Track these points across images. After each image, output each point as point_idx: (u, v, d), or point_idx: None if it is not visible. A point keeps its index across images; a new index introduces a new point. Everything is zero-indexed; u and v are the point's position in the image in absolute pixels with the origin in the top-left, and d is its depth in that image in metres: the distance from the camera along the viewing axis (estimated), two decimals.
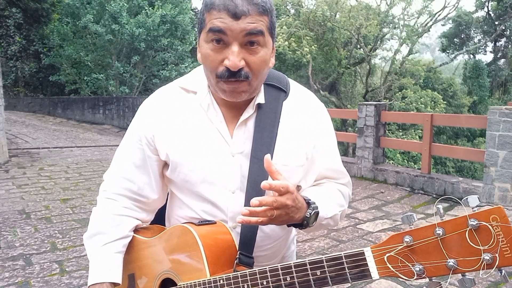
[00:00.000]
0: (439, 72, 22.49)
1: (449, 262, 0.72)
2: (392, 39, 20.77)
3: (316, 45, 18.57)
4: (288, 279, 0.86)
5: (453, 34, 25.04)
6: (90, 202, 5.28)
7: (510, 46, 23.35)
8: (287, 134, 1.06)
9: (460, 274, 0.74)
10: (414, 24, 20.28)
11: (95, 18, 15.92)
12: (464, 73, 23.39)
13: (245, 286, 0.91)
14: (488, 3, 23.00)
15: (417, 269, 0.74)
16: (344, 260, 0.80)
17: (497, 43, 24.14)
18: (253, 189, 1.00)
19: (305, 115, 1.09)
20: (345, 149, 16.27)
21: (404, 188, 6.10)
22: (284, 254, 1.21)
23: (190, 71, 1.17)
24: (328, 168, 1.14)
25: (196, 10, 20.98)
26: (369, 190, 6.11)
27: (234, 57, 0.92)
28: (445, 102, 19.32)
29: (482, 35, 24.49)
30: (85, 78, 17.39)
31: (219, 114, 1.05)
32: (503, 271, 0.71)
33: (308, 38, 18.16)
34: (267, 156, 0.91)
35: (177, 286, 1.04)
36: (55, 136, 12.22)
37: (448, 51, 25.59)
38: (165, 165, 1.12)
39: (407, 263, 0.76)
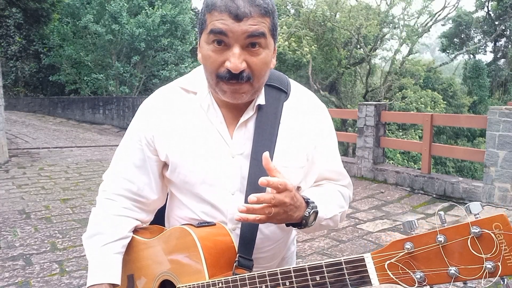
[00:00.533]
0: (439, 72, 22.48)
1: (451, 270, 0.71)
2: (392, 39, 20.78)
3: (316, 45, 18.56)
4: (287, 283, 0.85)
5: (453, 34, 25.03)
6: (90, 202, 5.28)
7: (510, 46, 23.35)
8: (287, 135, 1.05)
9: (461, 283, 0.72)
10: (414, 24, 20.28)
11: (95, 18, 15.93)
12: (464, 73, 23.39)
13: None
14: (488, 3, 23.00)
15: (418, 276, 0.73)
16: (344, 266, 0.79)
17: (497, 43, 24.15)
18: (253, 190, 0.99)
19: (306, 116, 1.09)
20: (345, 149, 16.26)
21: (404, 188, 6.10)
22: (284, 255, 1.20)
23: (190, 71, 1.16)
24: (328, 170, 1.13)
25: (196, 10, 20.98)
26: (369, 190, 6.11)
27: (235, 59, 0.91)
28: (445, 102, 19.32)
29: (482, 35, 24.49)
30: (85, 78, 17.40)
31: (219, 115, 1.05)
32: (505, 280, 0.69)
33: (308, 38, 18.16)
34: (266, 153, 0.90)
35: None
36: (55, 136, 12.22)
37: (448, 51, 25.59)
38: (165, 165, 1.12)
39: (408, 270, 0.74)
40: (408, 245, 0.74)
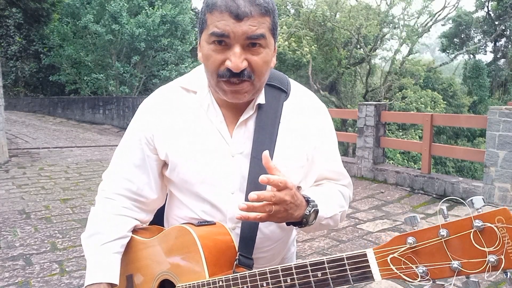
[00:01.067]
0: (439, 72, 22.48)
1: (453, 264, 0.71)
2: (392, 39, 20.78)
3: (316, 45, 18.56)
4: (289, 280, 0.84)
5: (453, 34, 25.03)
6: (90, 202, 5.28)
7: (510, 46, 23.35)
8: (287, 135, 1.06)
9: (464, 277, 0.72)
10: (414, 24, 20.27)
11: (95, 18, 15.92)
12: (464, 73, 23.38)
13: (245, 287, 0.91)
14: (488, 3, 23.00)
15: (421, 271, 0.73)
16: (346, 261, 0.79)
17: (497, 43, 24.14)
18: (253, 189, 0.99)
19: (306, 116, 1.09)
20: (345, 149, 16.26)
21: (404, 188, 6.10)
22: (284, 256, 1.20)
23: (190, 71, 1.16)
24: (328, 169, 1.13)
25: (196, 10, 20.98)
26: (369, 190, 6.11)
27: (236, 59, 0.91)
28: (445, 102, 19.31)
29: (482, 35, 24.49)
30: (85, 78, 17.40)
31: (219, 114, 1.05)
32: (508, 273, 0.69)
33: (308, 38, 18.16)
34: (265, 152, 0.90)
35: (175, 287, 1.03)
36: (55, 136, 12.22)
37: (448, 51, 25.59)
38: (165, 165, 1.12)
39: (411, 265, 0.74)
40: (410, 240, 0.74)
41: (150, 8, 16.33)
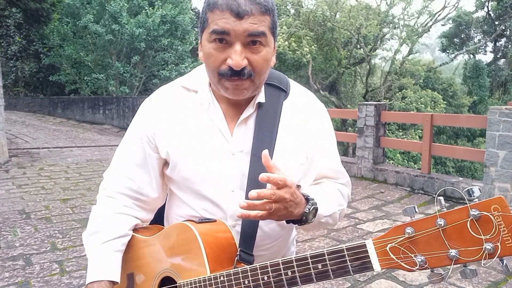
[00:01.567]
0: (439, 72, 22.48)
1: (451, 252, 0.73)
2: (392, 39, 20.76)
3: (316, 45, 18.56)
4: (289, 273, 0.86)
5: (453, 34, 25.03)
6: (90, 202, 5.28)
7: (510, 46, 23.35)
8: (287, 133, 1.07)
9: (462, 265, 0.74)
10: (414, 24, 20.27)
11: (95, 18, 15.93)
12: (464, 73, 23.39)
13: (246, 282, 0.91)
14: (488, 3, 22.99)
15: (419, 259, 0.75)
16: (345, 252, 0.81)
17: (497, 43, 24.14)
18: (253, 187, 1.00)
19: (305, 115, 1.10)
20: (345, 149, 16.27)
21: (404, 188, 6.10)
22: (284, 255, 1.21)
23: (190, 71, 1.18)
24: (327, 168, 1.14)
25: (196, 10, 21.00)
26: (369, 190, 6.11)
27: (237, 56, 0.93)
28: (445, 102, 19.31)
29: (482, 35, 24.49)
30: (85, 78, 17.40)
31: (219, 113, 1.06)
32: (504, 261, 0.71)
33: (308, 38, 18.15)
34: (265, 151, 0.91)
35: (177, 284, 1.03)
36: (55, 136, 12.22)
37: (448, 51, 25.59)
38: (165, 163, 1.13)
39: (410, 254, 0.76)
40: (409, 230, 0.76)
41: (150, 8, 16.33)
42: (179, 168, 1.07)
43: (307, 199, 0.98)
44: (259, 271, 0.90)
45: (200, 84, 1.08)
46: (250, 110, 1.06)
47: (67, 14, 16.82)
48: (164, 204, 1.24)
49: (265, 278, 0.89)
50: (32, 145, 10.17)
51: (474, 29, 24.71)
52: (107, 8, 15.52)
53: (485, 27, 23.65)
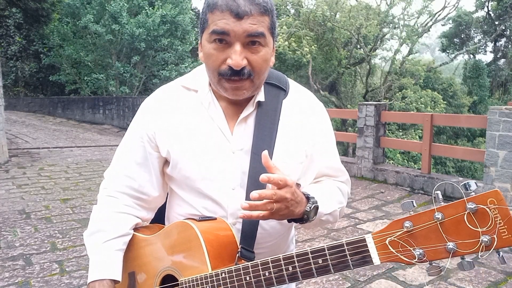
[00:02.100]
0: (439, 72, 22.49)
1: (449, 245, 0.74)
2: (392, 39, 20.77)
3: (316, 45, 18.57)
4: (290, 268, 0.87)
5: (453, 34, 25.03)
6: (90, 202, 5.28)
7: (510, 46, 23.35)
8: (286, 132, 1.08)
9: (459, 258, 0.76)
10: (414, 24, 20.27)
11: (95, 18, 15.93)
12: (464, 73, 23.39)
13: (247, 278, 0.92)
14: (488, 3, 23.00)
15: (418, 253, 0.77)
16: (345, 247, 0.82)
17: (497, 43, 24.15)
18: (254, 185, 1.01)
19: (304, 113, 1.11)
20: (345, 149, 16.27)
21: (404, 188, 6.11)
22: (284, 252, 1.21)
23: (190, 71, 1.19)
24: (327, 166, 1.15)
25: (196, 10, 21.00)
26: (369, 190, 6.12)
27: (236, 56, 0.94)
28: (445, 102, 19.32)
29: (482, 35, 24.49)
30: (85, 78, 17.40)
31: (219, 112, 1.07)
32: (500, 253, 0.73)
33: (308, 38, 18.16)
34: (265, 152, 0.92)
35: (178, 282, 1.04)
36: (55, 136, 12.22)
37: (448, 51, 25.59)
38: (166, 162, 1.13)
39: (408, 247, 0.78)
40: (407, 224, 0.77)
41: (150, 8, 16.33)
42: (180, 167, 1.08)
43: (308, 198, 0.99)
44: (260, 267, 0.91)
45: (200, 83, 1.09)
46: (250, 108, 1.07)
47: (67, 14, 16.82)
48: (165, 203, 1.24)
49: (267, 273, 0.90)
50: (32, 145, 10.18)
51: (474, 29, 24.71)
52: (107, 8, 15.52)
53: (485, 27, 23.66)
